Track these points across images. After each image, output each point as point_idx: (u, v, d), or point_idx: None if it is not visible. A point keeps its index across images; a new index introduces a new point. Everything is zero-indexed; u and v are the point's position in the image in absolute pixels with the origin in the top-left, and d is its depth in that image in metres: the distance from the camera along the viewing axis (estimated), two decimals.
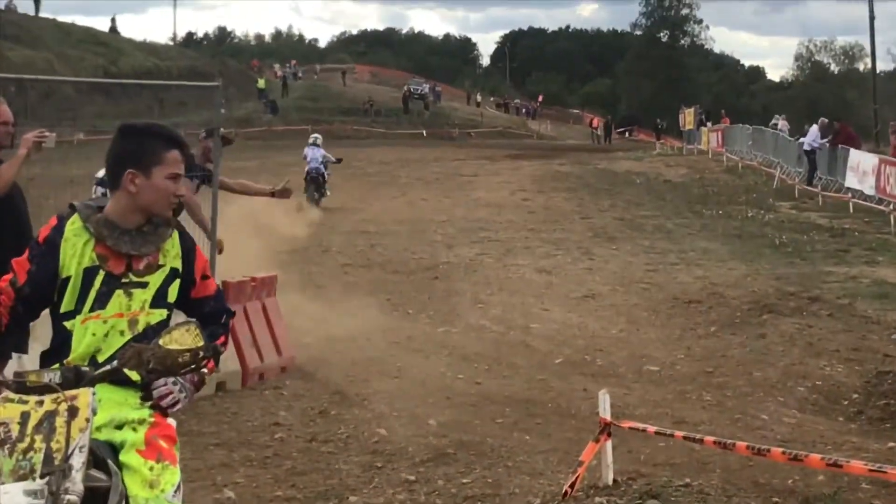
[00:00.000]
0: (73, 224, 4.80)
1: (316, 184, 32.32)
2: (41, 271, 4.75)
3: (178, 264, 5.03)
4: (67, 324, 4.79)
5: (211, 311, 5.18)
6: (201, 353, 4.64)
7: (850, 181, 35.03)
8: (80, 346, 4.78)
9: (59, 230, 4.79)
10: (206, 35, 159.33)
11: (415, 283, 20.14)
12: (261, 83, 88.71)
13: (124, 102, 45.92)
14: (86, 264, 4.78)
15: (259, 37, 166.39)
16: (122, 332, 4.83)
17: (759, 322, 17.31)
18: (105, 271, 4.81)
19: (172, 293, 5.03)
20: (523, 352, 15.12)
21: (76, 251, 4.77)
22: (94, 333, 4.78)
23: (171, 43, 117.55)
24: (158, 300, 4.96)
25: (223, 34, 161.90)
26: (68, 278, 4.77)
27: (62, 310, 4.80)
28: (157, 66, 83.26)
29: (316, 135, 34.49)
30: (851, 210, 32.15)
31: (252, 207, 19.37)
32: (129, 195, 4.86)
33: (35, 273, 4.74)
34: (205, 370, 4.78)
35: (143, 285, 4.91)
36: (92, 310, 4.79)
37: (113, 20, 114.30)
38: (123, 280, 4.86)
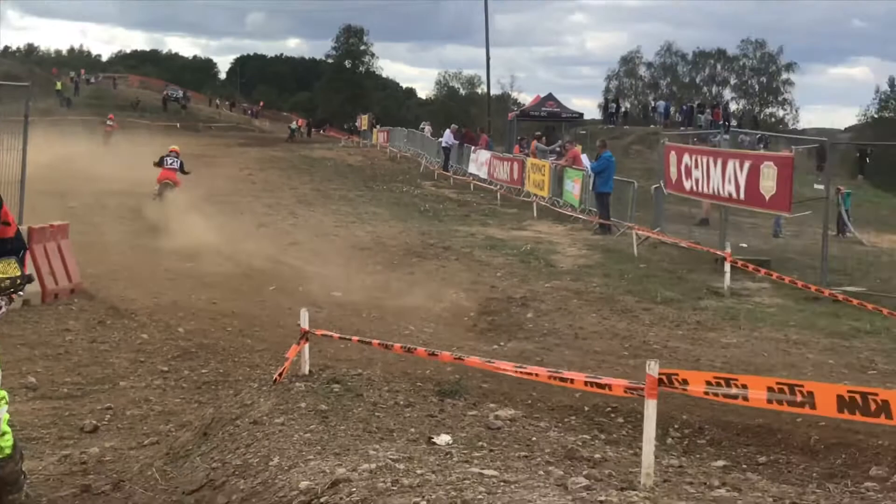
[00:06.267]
0: None
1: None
2: None
3: None
4: None
5: (11, 248, 5.02)
6: (19, 280, 4.74)
7: (472, 168, 36.16)
8: None
9: None
10: (17, 48, 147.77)
11: (169, 231, 19.49)
12: (59, 85, 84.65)
13: None
14: None
15: (58, 51, 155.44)
16: None
17: (409, 264, 17.70)
18: None
19: None
20: (247, 282, 14.95)
21: None
22: None
23: None
24: None
25: (31, 48, 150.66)
26: None
27: None
28: None
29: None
30: (472, 188, 33.17)
31: None
32: None
33: None
34: (21, 292, 4.70)
35: None
36: None
37: None
38: None
